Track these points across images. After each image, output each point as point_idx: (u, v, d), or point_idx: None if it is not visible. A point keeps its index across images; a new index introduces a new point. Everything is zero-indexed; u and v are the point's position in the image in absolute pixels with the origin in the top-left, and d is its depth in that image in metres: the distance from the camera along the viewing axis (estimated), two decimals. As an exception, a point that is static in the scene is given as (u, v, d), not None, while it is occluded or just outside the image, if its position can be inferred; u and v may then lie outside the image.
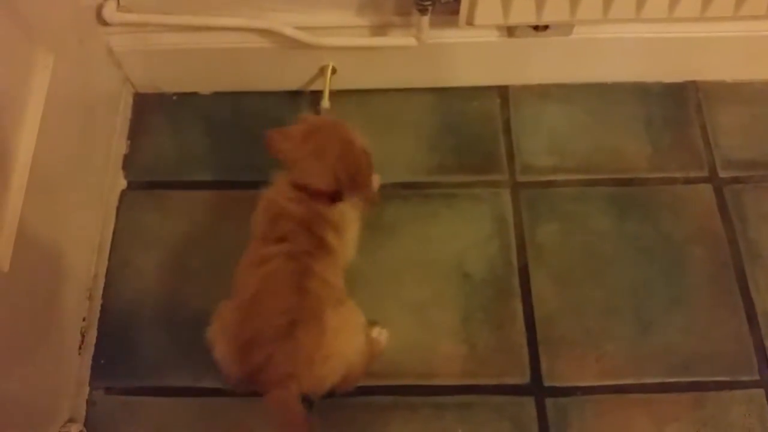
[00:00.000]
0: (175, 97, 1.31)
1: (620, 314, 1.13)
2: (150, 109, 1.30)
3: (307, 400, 1.06)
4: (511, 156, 1.25)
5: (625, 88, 1.31)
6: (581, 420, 1.06)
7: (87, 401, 1.08)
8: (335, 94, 1.22)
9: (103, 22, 1.12)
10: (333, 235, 0.94)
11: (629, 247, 1.17)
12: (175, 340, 1.11)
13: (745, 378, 1.09)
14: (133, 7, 1.12)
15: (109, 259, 1.17)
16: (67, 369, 1.06)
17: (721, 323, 1.12)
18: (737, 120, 1.28)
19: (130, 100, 1.30)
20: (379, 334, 1.07)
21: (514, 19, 1.06)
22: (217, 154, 1.25)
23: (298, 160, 0.95)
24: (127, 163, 1.25)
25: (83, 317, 1.10)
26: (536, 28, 1.15)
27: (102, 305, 1.14)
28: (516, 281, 1.15)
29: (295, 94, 1.29)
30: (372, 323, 1.06)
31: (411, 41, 1.15)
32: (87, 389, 1.09)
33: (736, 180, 1.23)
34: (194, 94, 1.31)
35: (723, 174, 1.24)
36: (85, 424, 1.06)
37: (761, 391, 1.08)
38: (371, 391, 1.07)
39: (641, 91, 1.31)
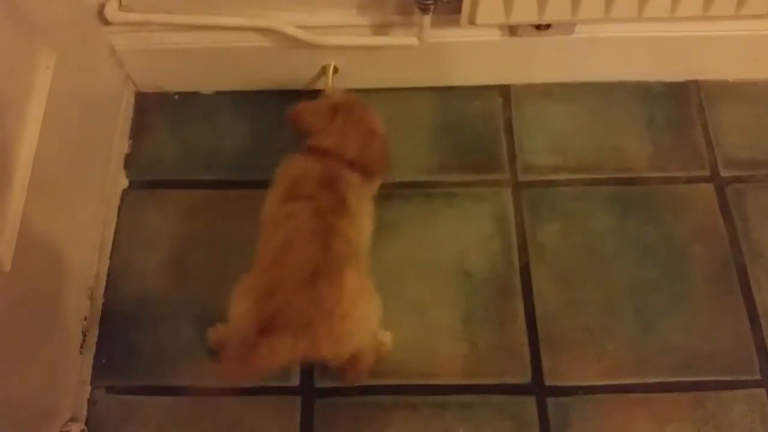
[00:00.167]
0: (176, 97, 1.31)
1: (621, 313, 1.13)
2: (152, 109, 1.30)
3: (306, 400, 1.07)
4: (512, 155, 1.25)
5: (627, 87, 1.31)
6: (582, 419, 1.06)
7: (88, 400, 1.08)
8: (337, 94, 1.22)
9: (105, 22, 1.13)
10: (353, 197, 0.96)
11: (631, 246, 1.17)
12: (176, 339, 1.11)
13: (746, 377, 1.09)
14: (135, 6, 1.12)
15: (111, 259, 1.17)
16: (68, 368, 1.06)
17: (722, 323, 1.12)
18: (739, 119, 1.28)
19: (132, 100, 1.30)
20: (384, 336, 1.07)
21: (515, 18, 1.06)
22: (218, 153, 1.25)
23: (326, 131, 0.99)
24: (129, 162, 1.25)
25: (84, 316, 1.10)
26: (538, 27, 1.15)
27: (103, 304, 1.14)
28: (517, 280, 1.15)
29: (297, 94, 1.29)
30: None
31: (413, 40, 1.15)
32: (88, 388, 1.09)
33: (737, 179, 1.23)
34: (196, 93, 1.31)
35: (724, 173, 1.24)
36: (87, 423, 1.06)
37: (762, 391, 1.08)
38: (372, 391, 1.07)
39: (643, 90, 1.31)
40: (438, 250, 1.17)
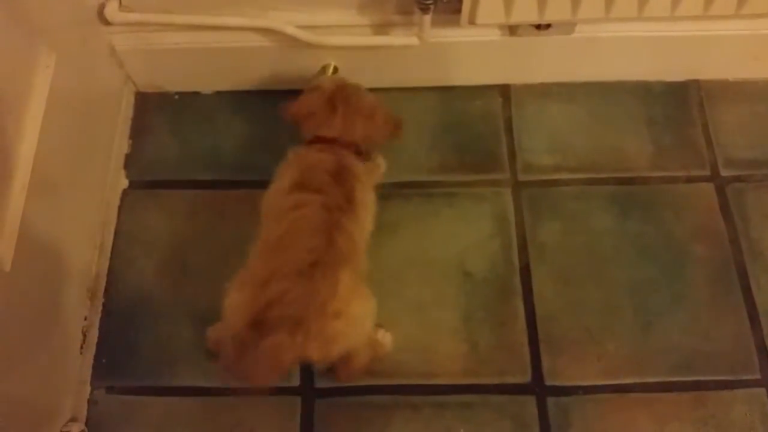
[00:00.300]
0: (176, 97, 1.31)
1: (621, 313, 1.13)
2: (152, 109, 1.30)
3: (306, 400, 1.07)
4: (512, 155, 1.25)
5: (627, 87, 1.31)
6: (582, 419, 1.06)
7: (88, 400, 1.08)
8: (336, 93, 1.22)
9: (105, 22, 1.12)
10: (360, 192, 0.96)
11: (631, 246, 1.17)
12: (176, 339, 1.11)
13: (746, 377, 1.09)
14: (135, 6, 1.12)
15: (111, 259, 1.17)
16: (68, 368, 1.06)
17: (722, 322, 1.12)
18: (739, 119, 1.28)
19: (132, 100, 1.30)
20: (384, 336, 1.07)
21: (516, 18, 1.06)
22: (218, 153, 1.25)
23: (327, 119, 1.00)
24: (129, 162, 1.25)
25: (84, 316, 1.10)
26: (538, 26, 1.15)
27: (103, 305, 1.14)
28: (517, 280, 1.15)
29: (297, 94, 1.29)
30: (377, 325, 1.06)
31: (413, 40, 1.15)
32: (88, 388, 1.09)
33: (737, 179, 1.23)
34: (196, 93, 1.31)
35: (725, 173, 1.23)
36: (87, 424, 1.06)
37: (762, 390, 1.08)
38: (372, 391, 1.07)
39: (643, 89, 1.31)
40: (438, 250, 1.17)
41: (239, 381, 0.97)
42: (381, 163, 1.15)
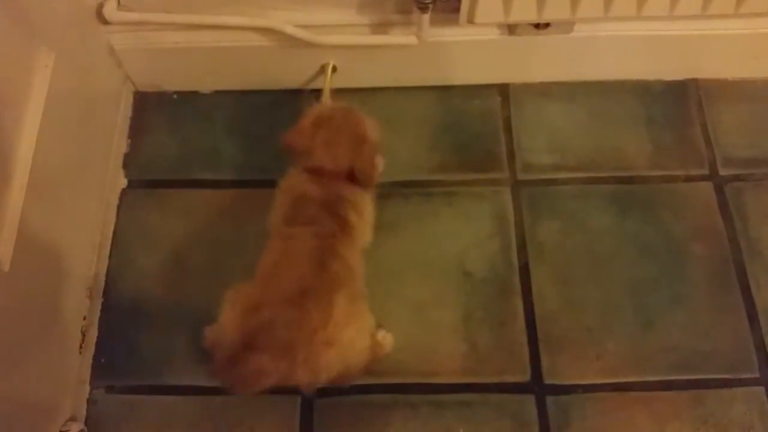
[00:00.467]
0: (175, 96, 1.31)
1: (621, 312, 1.13)
2: (150, 108, 1.30)
3: (306, 400, 1.07)
4: (511, 154, 1.25)
5: (626, 86, 1.31)
6: (582, 418, 1.06)
7: (88, 400, 1.08)
8: (336, 93, 1.21)
9: (104, 21, 1.12)
10: (354, 215, 0.96)
11: (630, 245, 1.17)
12: (175, 338, 1.11)
13: (745, 376, 1.09)
14: (134, 5, 1.12)
15: (110, 258, 1.17)
16: (67, 368, 1.06)
17: (721, 321, 1.12)
18: (738, 118, 1.28)
19: (131, 99, 1.29)
20: (384, 337, 1.07)
21: (514, 17, 1.06)
22: (217, 152, 1.25)
23: (313, 149, 0.97)
24: (128, 161, 1.25)
25: (84, 316, 1.10)
26: (537, 26, 1.15)
27: (102, 304, 1.14)
28: (516, 279, 1.15)
29: (295, 93, 1.29)
30: (377, 326, 1.05)
31: (412, 39, 1.15)
32: (88, 388, 1.09)
33: (736, 178, 1.23)
34: (195, 92, 1.31)
35: (723, 172, 1.24)
36: (86, 423, 1.06)
37: (761, 389, 1.08)
38: (372, 390, 1.07)
39: (642, 89, 1.31)
40: (438, 250, 1.17)
41: (225, 387, 0.97)
42: (379, 162, 1.14)
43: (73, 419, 1.05)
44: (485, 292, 1.14)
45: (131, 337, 1.12)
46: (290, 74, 1.26)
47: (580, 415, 1.06)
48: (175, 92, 1.31)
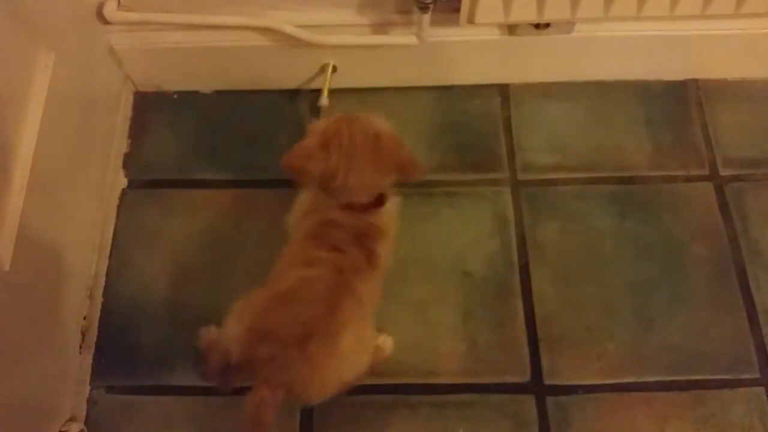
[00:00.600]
0: (175, 96, 1.31)
1: (621, 313, 1.13)
2: (151, 108, 1.30)
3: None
4: (511, 154, 1.25)
5: (626, 86, 1.31)
6: (582, 419, 1.06)
7: (87, 400, 1.08)
8: (336, 93, 1.21)
9: (104, 21, 1.12)
10: (382, 244, 0.93)
11: (630, 245, 1.17)
12: (175, 339, 1.11)
13: (745, 376, 1.09)
14: (134, 5, 1.12)
15: (110, 258, 1.17)
16: (67, 368, 1.06)
17: (721, 322, 1.12)
18: (738, 118, 1.28)
19: (131, 99, 1.29)
20: (384, 342, 1.07)
21: (515, 18, 1.06)
22: (217, 152, 1.25)
23: (333, 175, 0.90)
24: (128, 161, 1.25)
25: (84, 316, 1.10)
26: (537, 26, 1.15)
27: (103, 304, 1.14)
28: (517, 280, 1.15)
29: (295, 93, 1.29)
30: (378, 330, 1.05)
31: (412, 39, 1.15)
32: (87, 388, 1.09)
33: (736, 178, 1.23)
34: (195, 92, 1.30)
35: (724, 172, 1.24)
36: (86, 423, 1.06)
37: (761, 390, 1.08)
38: (372, 390, 1.07)
39: (642, 89, 1.31)
40: (438, 250, 1.17)
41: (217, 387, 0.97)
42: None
43: (73, 419, 1.05)
44: (485, 292, 1.14)
45: (131, 337, 1.11)
46: (290, 74, 1.26)
47: (580, 415, 1.06)
48: (176, 92, 1.31)
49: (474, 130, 1.27)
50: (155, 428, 1.06)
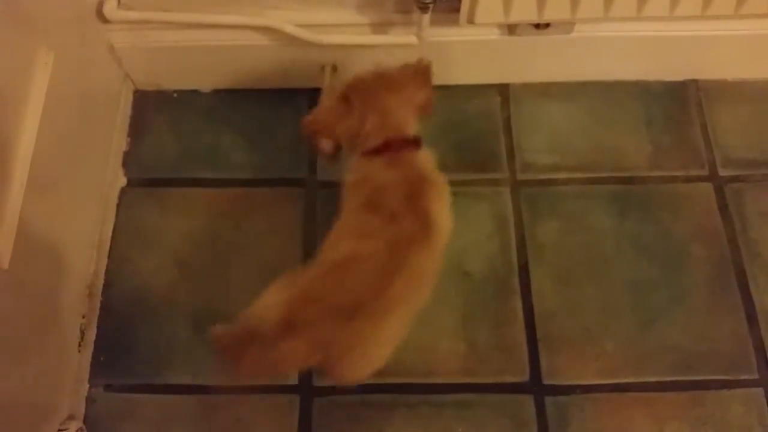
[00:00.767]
0: (175, 95, 1.31)
1: (620, 313, 1.13)
2: (150, 107, 1.29)
3: (305, 399, 1.07)
4: (511, 154, 1.25)
5: (626, 86, 1.31)
6: (580, 418, 1.06)
7: (86, 398, 1.08)
8: (335, 92, 1.21)
9: (104, 20, 1.12)
10: (435, 201, 0.88)
11: (629, 245, 1.17)
12: (174, 337, 1.11)
13: (744, 377, 1.09)
14: (134, 4, 1.12)
15: (109, 257, 1.17)
16: (66, 366, 1.06)
17: (720, 322, 1.12)
18: (738, 119, 1.28)
19: (131, 97, 1.29)
20: None
21: (515, 18, 1.06)
22: (217, 151, 1.25)
23: (361, 124, 0.88)
24: (127, 160, 1.25)
25: (83, 314, 1.10)
26: (537, 26, 1.15)
27: (101, 302, 1.14)
28: (516, 279, 1.15)
29: (295, 92, 1.29)
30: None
31: (412, 39, 1.15)
32: (86, 386, 1.09)
33: (736, 179, 1.23)
34: (195, 91, 1.30)
35: (723, 173, 1.24)
36: (85, 422, 1.06)
37: (760, 390, 1.08)
38: (371, 389, 1.07)
39: (642, 89, 1.31)
40: (437, 249, 1.17)
41: (231, 366, 0.92)
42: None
43: (71, 418, 1.05)
44: (484, 292, 1.14)
45: (130, 336, 1.11)
46: (290, 73, 1.26)
47: (578, 415, 1.06)
48: (175, 91, 1.31)
49: (473, 130, 1.27)
50: (154, 427, 1.06)
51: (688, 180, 1.23)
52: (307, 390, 1.08)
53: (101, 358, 1.11)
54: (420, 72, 0.95)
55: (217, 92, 1.30)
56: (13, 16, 0.91)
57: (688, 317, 1.12)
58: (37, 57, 0.97)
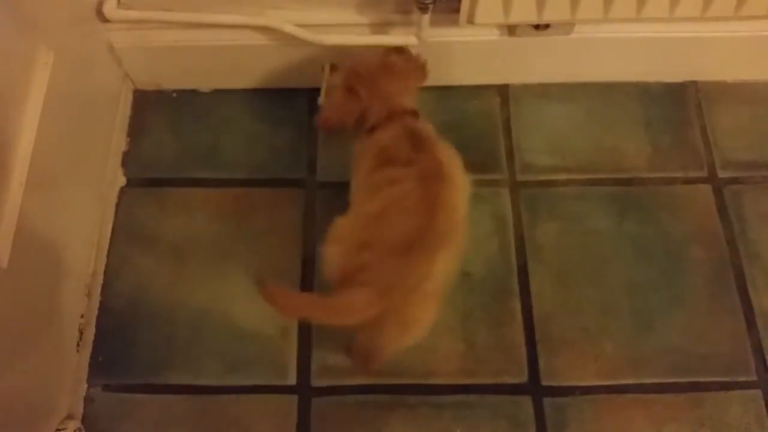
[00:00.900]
0: (174, 94, 1.31)
1: (619, 314, 1.13)
2: (150, 106, 1.29)
3: (303, 400, 1.07)
4: (510, 155, 1.25)
5: (626, 87, 1.31)
6: (579, 420, 1.06)
7: (85, 398, 1.08)
8: (335, 93, 1.21)
9: (104, 19, 1.12)
10: (442, 151, 0.92)
11: (628, 246, 1.17)
12: (173, 337, 1.11)
13: (742, 378, 1.09)
14: (134, 3, 1.12)
15: (108, 256, 1.17)
16: (65, 366, 1.06)
17: (719, 323, 1.12)
18: (737, 120, 1.28)
19: (130, 97, 1.29)
20: None
21: (514, 18, 1.06)
22: (216, 151, 1.25)
23: (369, 109, 0.96)
24: (127, 160, 1.25)
25: (81, 314, 1.10)
26: (537, 27, 1.15)
27: (100, 302, 1.14)
28: (515, 280, 1.15)
29: (295, 92, 1.29)
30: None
31: (411, 40, 1.15)
32: (85, 386, 1.09)
33: (735, 180, 1.23)
34: (194, 91, 1.30)
35: (722, 174, 1.24)
36: (83, 421, 1.06)
37: (758, 392, 1.08)
38: (369, 390, 1.07)
39: (641, 91, 1.31)
40: (436, 250, 1.17)
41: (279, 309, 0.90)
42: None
43: (70, 417, 1.04)
44: (483, 293, 1.14)
45: (129, 336, 1.11)
46: (290, 73, 1.26)
47: (577, 416, 1.06)
48: (175, 91, 1.30)
49: (473, 131, 1.27)
50: (152, 426, 1.06)
51: (688, 181, 1.23)
52: (306, 390, 1.08)
53: (100, 358, 1.11)
54: (419, 67, 1.05)
55: (216, 92, 1.30)
56: (13, 15, 0.91)
57: (686, 319, 1.12)
58: (36, 56, 0.97)
